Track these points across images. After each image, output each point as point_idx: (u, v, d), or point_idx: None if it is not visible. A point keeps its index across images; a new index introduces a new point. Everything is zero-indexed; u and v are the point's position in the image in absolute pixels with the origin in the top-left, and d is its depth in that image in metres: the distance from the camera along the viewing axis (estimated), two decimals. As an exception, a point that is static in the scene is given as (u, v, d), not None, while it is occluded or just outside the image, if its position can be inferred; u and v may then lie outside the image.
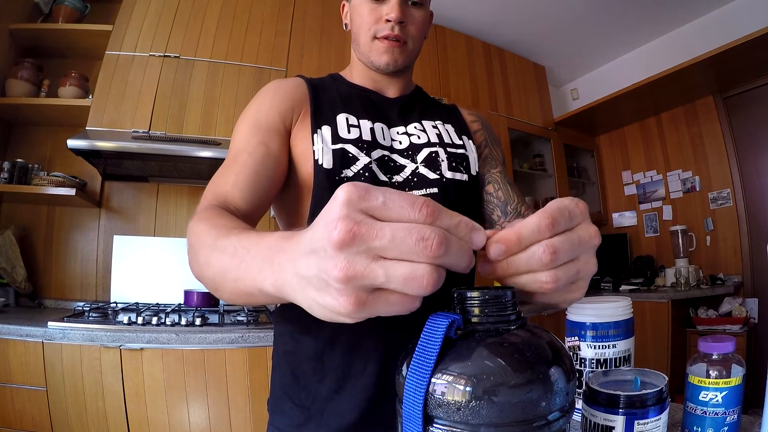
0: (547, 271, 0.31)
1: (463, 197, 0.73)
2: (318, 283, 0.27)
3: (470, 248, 0.28)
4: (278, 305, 0.72)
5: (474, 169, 0.77)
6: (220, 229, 0.45)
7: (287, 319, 0.70)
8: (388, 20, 0.71)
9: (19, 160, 1.99)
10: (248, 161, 0.63)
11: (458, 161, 0.74)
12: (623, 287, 2.87)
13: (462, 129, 0.82)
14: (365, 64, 0.77)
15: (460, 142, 0.77)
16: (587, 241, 0.32)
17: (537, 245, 0.30)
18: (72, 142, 1.72)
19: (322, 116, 0.71)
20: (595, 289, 3.05)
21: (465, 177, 0.74)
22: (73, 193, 1.87)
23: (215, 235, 0.45)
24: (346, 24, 0.81)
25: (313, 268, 0.27)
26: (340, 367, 0.64)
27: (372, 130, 0.71)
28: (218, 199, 0.59)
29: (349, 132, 0.69)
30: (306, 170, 0.67)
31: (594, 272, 0.34)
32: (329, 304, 0.27)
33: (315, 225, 0.28)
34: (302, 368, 0.66)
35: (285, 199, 0.72)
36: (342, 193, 0.26)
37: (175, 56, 2.09)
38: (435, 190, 0.70)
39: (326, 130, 0.69)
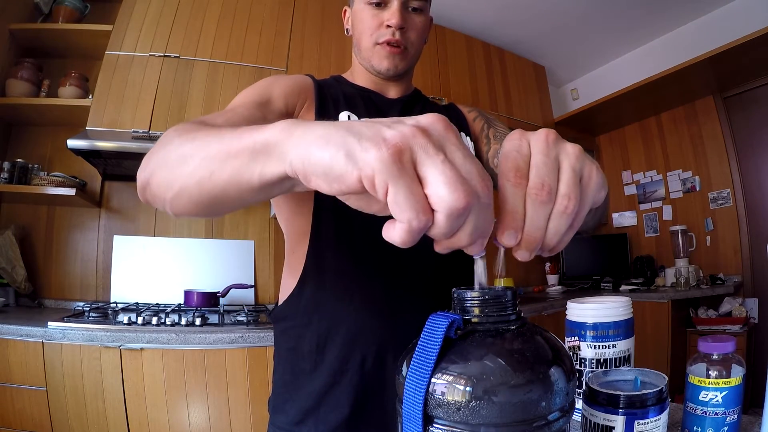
0: (556, 199, 0.29)
1: None
2: (367, 133, 0.25)
3: (485, 231, 0.27)
4: (278, 303, 0.72)
5: None
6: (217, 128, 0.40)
7: (290, 315, 0.70)
8: (388, 26, 0.73)
9: (19, 160, 1.99)
10: (244, 113, 0.61)
11: None
12: (623, 287, 2.87)
13: (460, 125, 0.84)
14: (366, 68, 0.79)
15: None
16: (546, 143, 0.30)
17: (527, 198, 0.29)
18: (72, 142, 1.72)
19: (325, 113, 0.72)
20: (595, 289, 3.05)
21: None
22: (73, 193, 1.87)
23: (208, 127, 0.40)
24: (347, 29, 0.83)
25: (371, 126, 0.26)
26: (337, 360, 0.65)
27: None
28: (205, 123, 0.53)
29: None
30: None
31: (579, 154, 0.31)
32: (363, 153, 0.24)
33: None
34: (302, 365, 0.67)
35: (287, 199, 0.73)
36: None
37: (175, 56, 2.09)
38: None
39: None
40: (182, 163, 0.36)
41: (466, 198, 0.24)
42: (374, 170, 0.24)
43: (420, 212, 0.24)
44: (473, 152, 0.80)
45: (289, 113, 0.70)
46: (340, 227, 0.67)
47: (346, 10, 0.83)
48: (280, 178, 0.29)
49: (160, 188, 0.39)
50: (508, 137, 0.31)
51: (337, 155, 0.25)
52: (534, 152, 0.30)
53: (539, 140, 0.30)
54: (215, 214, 0.39)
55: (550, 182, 0.29)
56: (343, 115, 0.73)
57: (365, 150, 0.24)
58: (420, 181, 0.25)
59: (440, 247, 0.28)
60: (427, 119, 0.26)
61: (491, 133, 0.83)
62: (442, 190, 0.24)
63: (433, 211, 0.25)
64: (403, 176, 0.24)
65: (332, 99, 0.75)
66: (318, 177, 0.26)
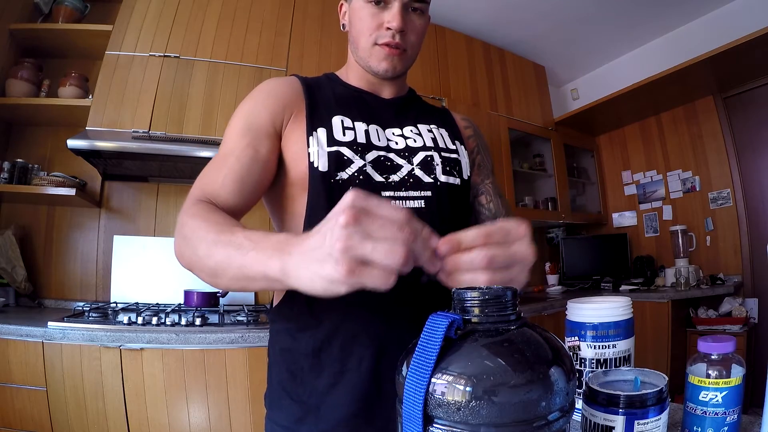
0: (484, 272, 0.39)
1: (455, 201, 0.74)
2: (321, 256, 0.36)
3: (431, 245, 0.39)
4: (275, 303, 0.73)
5: (466, 173, 0.78)
6: (221, 226, 0.52)
7: (285, 317, 0.70)
8: (388, 28, 0.71)
9: (19, 160, 1.99)
10: (236, 165, 0.65)
11: (451, 165, 0.76)
12: (623, 287, 2.87)
13: (455, 134, 0.83)
14: (363, 67, 0.78)
15: (454, 147, 0.79)
16: (522, 256, 0.41)
17: (477, 250, 0.39)
18: (72, 142, 1.72)
19: (317, 118, 0.71)
20: (595, 289, 3.05)
21: (457, 181, 0.76)
22: (73, 193, 1.87)
23: (216, 230, 0.51)
24: (343, 24, 0.81)
25: (319, 244, 0.37)
26: (336, 362, 0.65)
27: (367, 132, 0.72)
28: (206, 196, 0.63)
29: (344, 134, 0.70)
30: (300, 170, 0.68)
31: (524, 282, 0.43)
32: (328, 273, 0.36)
33: (325, 221, 0.38)
34: (299, 365, 0.67)
35: (278, 198, 0.73)
36: (348, 196, 0.36)
37: (175, 56, 2.09)
38: (429, 193, 0.71)
39: (322, 132, 0.69)
40: (215, 276, 0.51)
41: (401, 254, 0.35)
42: (348, 285, 0.36)
43: (386, 280, 0.35)
44: (466, 159, 0.80)
45: (277, 132, 0.70)
46: None
47: (342, 5, 0.81)
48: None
49: (206, 279, 0.54)
50: (517, 221, 0.43)
51: (323, 285, 0.37)
52: (513, 246, 0.42)
53: (523, 248, 0.42)
54: None
55: (497, 263, 0.40)
56: (336, 120, 0.71)
57: (332, 277, 0.36)
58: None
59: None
60: (346, 215, 0.35)
61: (478, 160, 0.84)
62: (386, 262, 0.35)
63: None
64: (360, 277, 0.35)
65: (324, 103, 0.74)
66: (323, 295, 0.38)
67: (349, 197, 0.36)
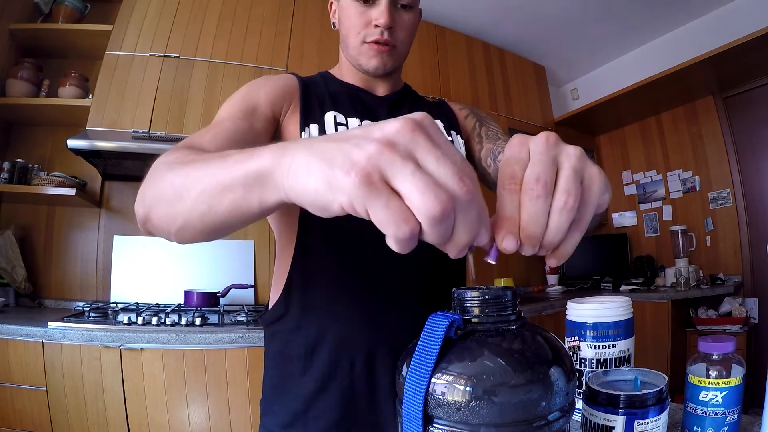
0: (555, 195, 0.28)
1: None
2: (336, 157, 0.25)
3: (480, 225, 0.27)
4: (270, 306, 0.72)
5: None
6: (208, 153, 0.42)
7: (278, 320, 0.70)
8: (376, 25, 0.71)
9: (19, 160, 1.99)
10: (230, 127, 0.60)
11: None
12: (623, 287, 2.87)
13: (451, 123, 0.82)
14: (354, 66, 0.77)
15: (449, 139, 0.78)
16: (545, 145, 0.29)
17: (523, 196, 0.28)
18: (72, 142, 1.72)
19: (310, 114, 0.70)
20: (595, 289, 3.05)
21: None
22: (73, 193, 1.87)
23: (200, 156, 0.41)
24: (334, 23, 0.80)
25: (341, 141, 0.26)
26: (325, 365, 0.64)
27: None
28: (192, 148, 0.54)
29: (336, 130, 0.69)
30: None
31: (580, 155, 0.30)
32: (335, 177, 0.25)
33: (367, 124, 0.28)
34: (290, 368, 0.67)
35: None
36: (413, 114, 0.27)
37: (175, 56, 2.09)
38: None
39: (314, 128, 0.69)
40: (179, 198, 0.37)
41: (441, 204, 0.24)
42: (350, 197, 0.24)
43: (401, 224, 0.24)
44: (462, 150, 0.79)
45: (275, 118, 0.69)
46: (326, 233, 0.66)
47: (332, 3, 0.81)
48: (280, 204, 0.31)
49: (162, 222, 0.41)
50: (508, 144, 0.31)
51: (318, 186, 0.26)
52: (532, 154, 0.29)
53: (538, 143, 0.30)
54: (220, 237, 0.40)
55: (545, 177, 0.28)
56: (329, 116, 0.71)
57: (338, 179, 0.25)
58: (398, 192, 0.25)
59: (450, 252, 0.27)
60: (394, 127, 0.26)
61: (483, 132, 0.82)
62: (416, 200, 0.24)
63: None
64: (376, 196, 0.24)
65: (318, 100, 0.73)
66: (310, 207, 0.27)
67: (413, 114, 0.27)
